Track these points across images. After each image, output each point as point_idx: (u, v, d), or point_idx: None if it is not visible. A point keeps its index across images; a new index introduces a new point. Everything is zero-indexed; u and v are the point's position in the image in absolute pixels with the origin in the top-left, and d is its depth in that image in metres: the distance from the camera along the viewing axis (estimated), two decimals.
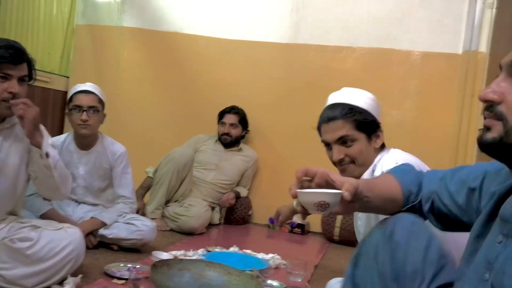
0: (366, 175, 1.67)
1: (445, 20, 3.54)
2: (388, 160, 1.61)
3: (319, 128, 1.74)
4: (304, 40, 3.85)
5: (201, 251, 2.60)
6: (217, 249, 2.74)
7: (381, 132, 1.71)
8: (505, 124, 0.86)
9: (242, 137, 3.85)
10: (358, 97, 1.70)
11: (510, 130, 0.86)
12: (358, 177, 1.69)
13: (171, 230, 3.28)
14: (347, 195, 1.00)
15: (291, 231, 3.71)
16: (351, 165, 1.69)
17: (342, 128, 1.66)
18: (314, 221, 3.75)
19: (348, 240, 3.33)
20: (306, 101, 3.83)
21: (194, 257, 2.45)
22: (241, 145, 3.84)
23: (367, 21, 3.71)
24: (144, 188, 3.50)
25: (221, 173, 3.67)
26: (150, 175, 3.48)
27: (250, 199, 3.88)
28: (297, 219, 3.70)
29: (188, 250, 2.58)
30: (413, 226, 1.05)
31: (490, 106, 0.89)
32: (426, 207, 1.16)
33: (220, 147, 3.77)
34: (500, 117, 0.87)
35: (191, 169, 3.51)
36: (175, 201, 3.44)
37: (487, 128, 0.90)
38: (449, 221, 1.15)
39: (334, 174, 1.06)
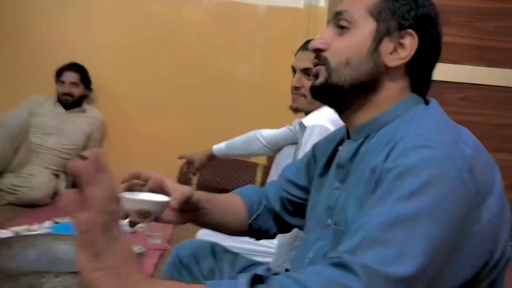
0: (310, 115, 1.69)
1: None
2: (321, 113, 1.62)
3: (296, 53, 1.83)
4: None
5: (47, 224, 2.45)
6: (67, 220, 2.54)
7: None
8: (327, 68, 0.94)
9: (85, 97, 3.56)
10: None
11: (332, 71, 0.94)
12: (304, 111, 1.78)
13: (9, 204, 3.00)
14: (174, 203, 1.00)
15: None
16: (302, 98, 1.78)
17: (311, 62, 1.70)
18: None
19: None
20: (153, 57, 3.66)
21: (39, 232, 2.30)
22: (85, 106, 3.55)
23: None
24: None
25: (64, 137, 3.37)
26: None
27: None
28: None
29: (32, 225, 2.42)
30: (193, 243, 1.25)
31: (317, 55, 0.97)
32: (277, 207, 1.18)
33: (60, 109, 3.44)
34: (324, 62, 0.95)
35: (28, 134, 3.19)
36: (11, 172, 3.12)
37: (315, 76, 0.97)
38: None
39: (170, 180, 1.04)
